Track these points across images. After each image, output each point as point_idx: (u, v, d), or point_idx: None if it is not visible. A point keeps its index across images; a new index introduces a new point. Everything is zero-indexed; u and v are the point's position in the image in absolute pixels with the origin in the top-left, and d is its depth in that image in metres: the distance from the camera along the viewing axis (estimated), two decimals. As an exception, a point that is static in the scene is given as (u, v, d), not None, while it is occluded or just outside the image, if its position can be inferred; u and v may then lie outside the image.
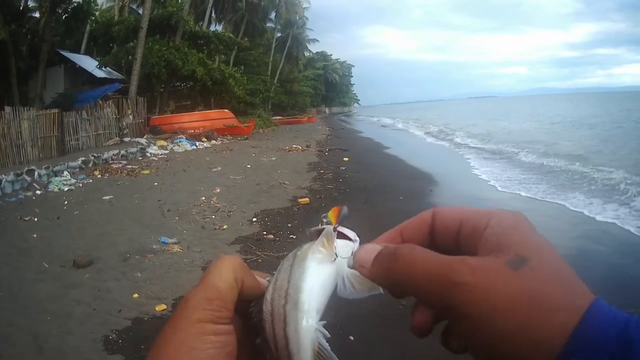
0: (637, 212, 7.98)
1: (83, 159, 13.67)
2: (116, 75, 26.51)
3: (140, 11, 25.51)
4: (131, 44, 23.49)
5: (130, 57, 23.53)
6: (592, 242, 6.63)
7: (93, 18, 21.97)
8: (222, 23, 41.17)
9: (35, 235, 6.96)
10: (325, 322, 0.38)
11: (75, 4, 19.23)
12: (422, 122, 44.83)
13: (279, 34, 53.66)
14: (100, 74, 24.79)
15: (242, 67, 38.06)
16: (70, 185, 11.03)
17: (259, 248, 6.24)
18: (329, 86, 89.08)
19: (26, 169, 11.37)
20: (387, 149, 20.35)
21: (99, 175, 12.36)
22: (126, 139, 18.94)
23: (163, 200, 9.16)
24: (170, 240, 6.54)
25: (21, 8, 20.83)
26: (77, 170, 12.96)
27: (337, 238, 0.42)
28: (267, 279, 0.41)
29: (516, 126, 32.71)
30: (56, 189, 10.56)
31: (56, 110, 15.53)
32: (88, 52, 27.59)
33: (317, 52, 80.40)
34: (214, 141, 21.83)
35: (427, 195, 9.73)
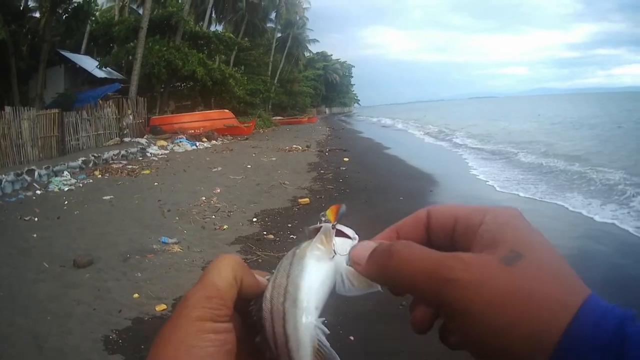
0: (636, 212, 7.99)
1: (83, 159, 13.67)
2: (116, 75, 26.52)
3: (141, 11, 25.53)
4: (131, 44, 23.49)
5: (130, 57, 23.54)
6: (590, 242, 6.65)
7: (93, 18, 22.00)
8: (223, 23, 41.20)
9: (35, 235, 6.96)
10: (324, 319, 0.38)
11: (76, 4, 19.25)
12: (422, 122, 44.83)
13: (279, 34, 53.66)
14: (100, 74, 24.80)
15: (243, 68, 38.06)
16: (70, 185, 11.03)
17: (259, 248, 6.25)
18: (329, 86, 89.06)
19: (26, 168, 11.38)
20: (387, 149, 20.34)
21: (99, 175, 12.36)
22: (126, 139, 18.94)
23: (163, 200, 9.16)
24: (170, 240, 6.54)
25: (21, 8, 20.83)
26: (78, 170, 12.97)
27: (336, 236, 0.42)
28: (267, 277, 0.41)
29: (516, 126, 32.69)
30: (56, 189, 10.56)
31: (56, 110, 15.53)
32: (88, 52, 27.60)
33: (317, 53, 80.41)
34: (214, 141, 21.83)
35: (427, 195, 9.73)
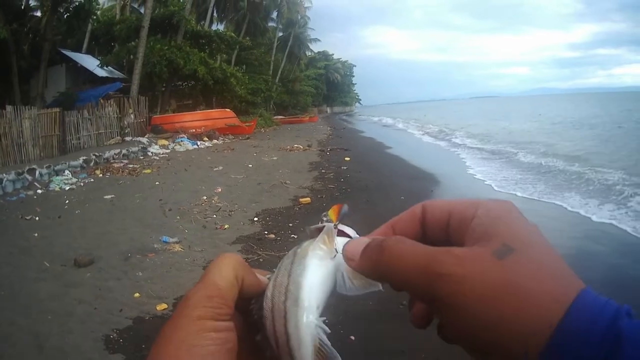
0: (634, 212, 7.98)
1: (84, 158, 13.69)
2: (118, 74, 26.55)
3: (142, 10, 25.60)
4: (133, 43, 23.51)
5: (131, 56, 23.56)
6: (588, 242, 6.64)
7: (94, 17, 22.05)
8: (224, 22, 41.26)
9: (36, 234, 6.97)
10: (325, 318, 0.38)
11: (77, 3, 19.28)
12: (423, 122, 44.81)
13: (280, 34, 53.64)
14: (101, 73, 24.84)
15: (244, 67, 38.10)
16: (71, 184, 11.04)
17: (260, 247, 6.25)
18: (331, 86, 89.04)
19: (27, 168, 11.39)
20: (388, 148, 20.33)
21: (100, 175, 12.37)
22: (127, 138, 18.95)
23: (164, 199, 9.17)
24: (171, 240, 6.55)
25: (23, 7, 20.86)
26: (79, 169, 12.98)
27: (338, 236, 0.42)
28: (267, 276, 0.41)
29: (517, 126, 32.65)
30: (57, 188, 10.57)
31: (57, 109, 15.53)
32: (89, 51, 27.63)
33: (318, 52, 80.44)
34: (216, 140, 21.83)
35: (428, 195, 9.72)
